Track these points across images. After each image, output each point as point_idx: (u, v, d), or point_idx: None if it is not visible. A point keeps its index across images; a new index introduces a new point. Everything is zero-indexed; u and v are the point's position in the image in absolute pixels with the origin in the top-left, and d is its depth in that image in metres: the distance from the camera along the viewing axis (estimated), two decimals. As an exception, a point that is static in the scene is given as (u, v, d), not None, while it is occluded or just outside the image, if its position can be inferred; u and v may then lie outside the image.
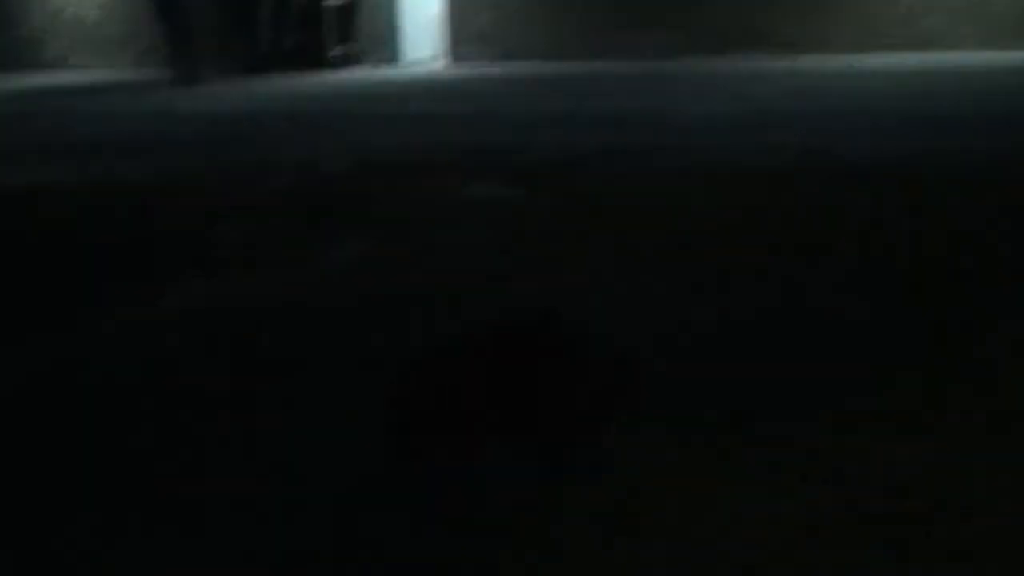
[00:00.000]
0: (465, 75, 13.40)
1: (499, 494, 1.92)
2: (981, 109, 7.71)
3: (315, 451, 2.23)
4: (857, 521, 1.72)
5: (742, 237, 4.13)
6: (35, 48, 18.02)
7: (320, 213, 5.22)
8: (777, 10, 12.50)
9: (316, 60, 14.60)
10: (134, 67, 16.74)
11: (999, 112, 7.54)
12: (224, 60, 14.46)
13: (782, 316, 3.06)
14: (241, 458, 2.22)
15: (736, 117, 8.05)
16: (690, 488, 1.87)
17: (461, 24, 14.17)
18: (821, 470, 1.94)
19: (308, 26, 14.73)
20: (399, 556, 1.73)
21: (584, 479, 1.97)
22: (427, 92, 11.76)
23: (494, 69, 13.64)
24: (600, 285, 3.45)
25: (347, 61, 14.80)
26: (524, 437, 2.23)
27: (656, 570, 1.62)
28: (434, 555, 1.74)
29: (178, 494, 2.04)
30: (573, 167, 6.19)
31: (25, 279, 4.15)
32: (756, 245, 3.98)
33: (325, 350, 2.97)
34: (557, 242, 4.18)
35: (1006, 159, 5.59)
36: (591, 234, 4.33)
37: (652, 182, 5.60)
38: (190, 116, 10.82)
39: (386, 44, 14.93)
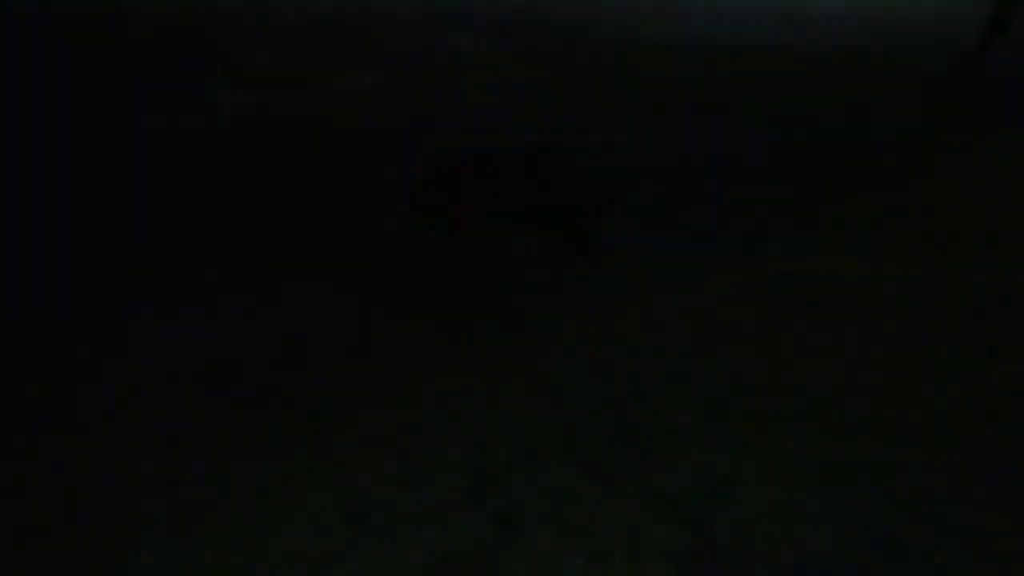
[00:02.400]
0: None
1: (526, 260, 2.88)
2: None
3: (360, 221, 3.22)
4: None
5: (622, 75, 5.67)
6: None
7: (332, 47, 6.50)
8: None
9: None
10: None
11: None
12: None
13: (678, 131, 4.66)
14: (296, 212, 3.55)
15: None
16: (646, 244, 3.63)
17: None
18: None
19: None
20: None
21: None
22: None
23: None
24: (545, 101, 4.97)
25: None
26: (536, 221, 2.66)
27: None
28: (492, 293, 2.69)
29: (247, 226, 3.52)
30: (531, 24, 7.52)
31: (110, 78, 5.21)
32: (656, 89, 5.48)
33: (362, 151, 3.89)
34: (513, 75, 5.55)
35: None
36: (533, 70, 5.80)
37: (575, 38, 6.99)
38: None
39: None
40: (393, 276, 2.69)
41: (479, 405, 2.07)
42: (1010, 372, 2.27)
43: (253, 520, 1.73)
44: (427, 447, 1.94)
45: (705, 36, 7.52)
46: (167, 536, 1.69)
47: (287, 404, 2.07)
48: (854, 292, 2.75)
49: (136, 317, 2.46)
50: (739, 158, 4.08)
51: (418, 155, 3.32)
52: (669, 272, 2.79)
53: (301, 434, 1.97)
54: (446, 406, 2.07)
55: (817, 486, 1.84)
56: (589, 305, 2.54)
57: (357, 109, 4.79)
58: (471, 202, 2.73)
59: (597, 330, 2.42)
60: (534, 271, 2.66)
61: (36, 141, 4.03)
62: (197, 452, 1.91)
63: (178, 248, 2.92)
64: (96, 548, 1.67)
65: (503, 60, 6.18)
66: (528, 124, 4.30)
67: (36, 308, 2.52)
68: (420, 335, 2.37)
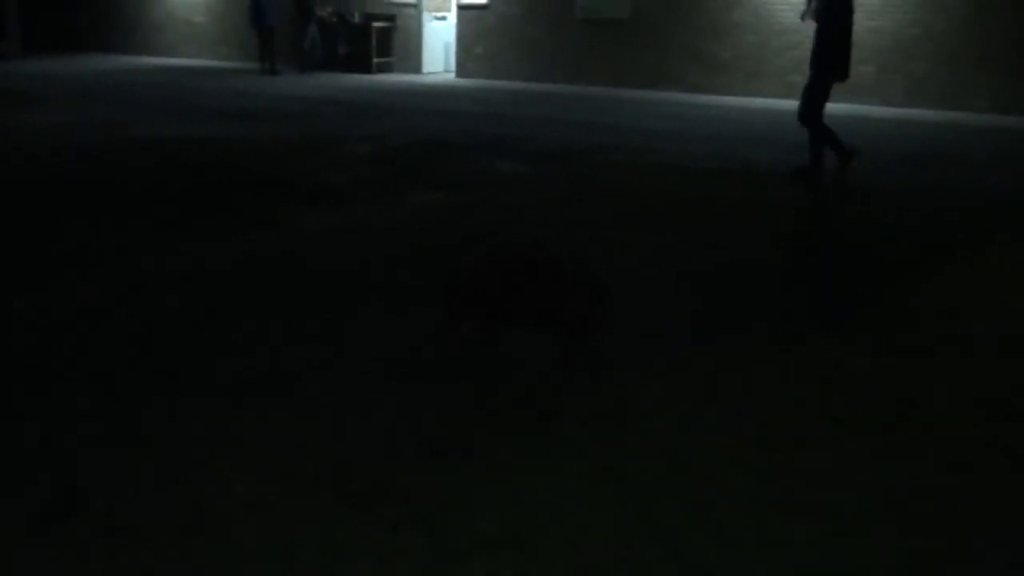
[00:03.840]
0: (470, 85, 15.01)
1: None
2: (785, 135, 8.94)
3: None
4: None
5: (673, 203, 6.17)
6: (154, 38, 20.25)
7: (398, 172, 7.16)
8: (690, 58, 14.07)
9: (364, 66, 16.62)
10: (227, 58, 18.87)
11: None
12: (293, 59, 16.62)
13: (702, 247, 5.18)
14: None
15: (667, 130, 9.76)
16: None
17: (466, 47, 15.95)
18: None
19: (359, 39, 16.71)
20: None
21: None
22: (448, 95, 13.33)
23: (490, 83, 15.31)
24: (590, 227, 5.41)
25: (383, 68, 16.79)
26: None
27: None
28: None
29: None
30: (565, 154, 8.14)
31: (221, 202, 5.99)
32: (683, 208, 6.00)
33: (418, 258, 4.53)
34: (561, 201, 6.16)
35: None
36: (584, 198, 6.33)
37: (616, 167, 7.59)
38: (281, 96, 12.73)
39: (412, 58, 16.89)
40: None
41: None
42: None
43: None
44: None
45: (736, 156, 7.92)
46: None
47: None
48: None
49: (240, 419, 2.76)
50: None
51: (457, 265, 3.59)
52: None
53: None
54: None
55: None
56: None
57: (419, 225, 5.34)
58: (493, 307, 3.02)
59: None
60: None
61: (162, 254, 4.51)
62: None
63: (271, 346, 3.26)
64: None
65: (540, 182, 6.85)
66: (548, 239, 4.80)
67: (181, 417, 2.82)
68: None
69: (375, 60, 16.68)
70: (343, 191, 6.37)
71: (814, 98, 6.84)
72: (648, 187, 6.77)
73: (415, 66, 16.95)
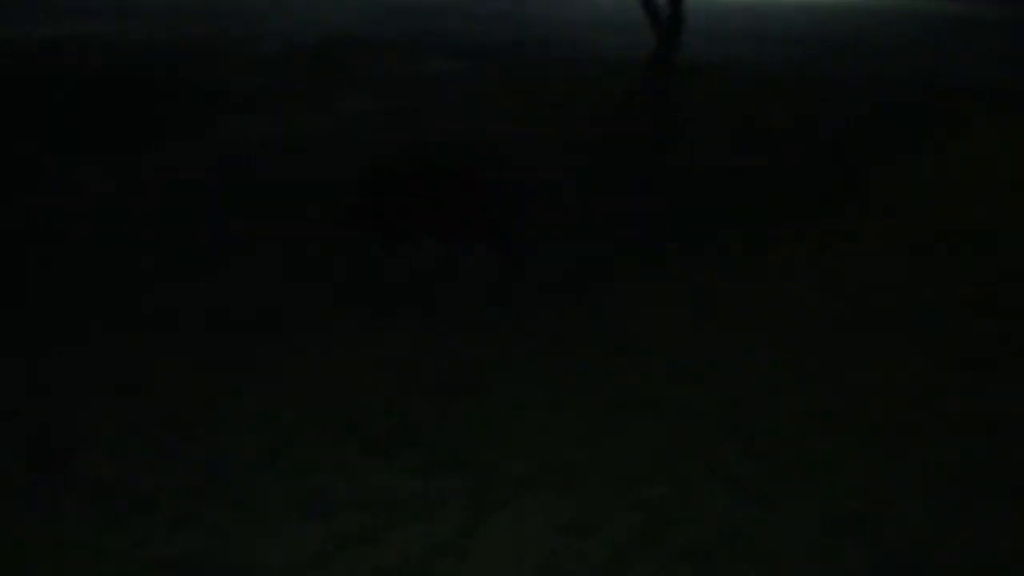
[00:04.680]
0: None
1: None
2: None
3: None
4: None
5: (580, 94, 5.98)
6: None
7: (318, 73, 6.60)
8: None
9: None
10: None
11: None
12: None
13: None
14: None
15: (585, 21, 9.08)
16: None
17: None
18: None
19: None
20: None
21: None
22: None
23: None
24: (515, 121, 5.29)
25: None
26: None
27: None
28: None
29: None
30: (491, 51, 7.63)
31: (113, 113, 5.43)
32: (590, 100, 5.88)
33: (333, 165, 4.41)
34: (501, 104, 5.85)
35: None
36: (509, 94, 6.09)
37: (534, 64, 7.20)
38: None
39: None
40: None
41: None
42: None
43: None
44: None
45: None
46: None
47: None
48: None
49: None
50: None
51: (366, 169, 3.65)
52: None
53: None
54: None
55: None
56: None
57: (357, 136, 4.96)
58: (402, 212, 3.09)
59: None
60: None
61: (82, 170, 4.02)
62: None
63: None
64: None
65: (480, 83, 6.48)
66: (476, 141, 4.64)
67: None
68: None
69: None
70: (265, 96, 5.90)
71: None
72: (583, 83, 6.50)
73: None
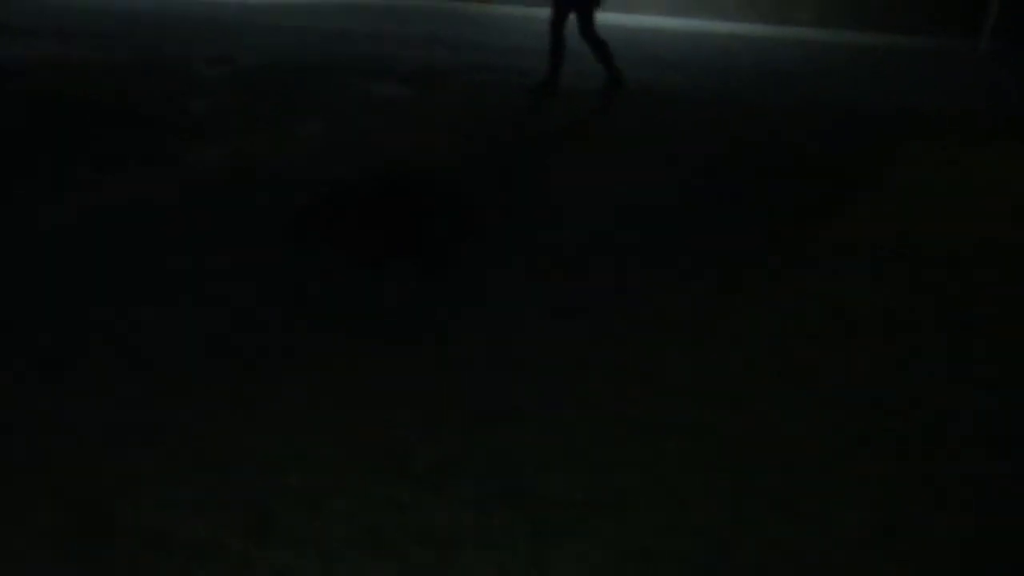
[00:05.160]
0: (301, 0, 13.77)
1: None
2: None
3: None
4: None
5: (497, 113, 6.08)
6: None
7: (265, 98, 6.49)
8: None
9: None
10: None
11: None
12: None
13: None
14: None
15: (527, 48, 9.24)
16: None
17: None
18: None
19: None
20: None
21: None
22: (281, 10, 12.12)
23: None
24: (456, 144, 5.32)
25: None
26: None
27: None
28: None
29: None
30: (436, 75, 7.71)
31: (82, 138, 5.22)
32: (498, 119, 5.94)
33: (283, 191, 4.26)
34: (447, 126, 5.86)
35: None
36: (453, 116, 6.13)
37: (487, 87, 7.30)
38: (86, 9, 11.12)
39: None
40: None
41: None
42: None
43: None
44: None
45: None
46: None
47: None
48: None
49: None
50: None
51: (313, 191, 3.75)
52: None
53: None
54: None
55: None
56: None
57: (309, 160, 4.85)
58: (344, 232, 3.16)
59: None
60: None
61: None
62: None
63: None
64: None
65: (419, 107, 6.48)
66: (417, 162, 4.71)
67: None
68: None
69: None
70: (212, 121, 5.73)
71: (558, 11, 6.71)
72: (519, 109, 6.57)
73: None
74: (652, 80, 7.70)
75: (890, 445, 2.28)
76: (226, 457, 2.10)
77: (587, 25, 6.75)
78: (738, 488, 2.08)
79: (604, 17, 12.01)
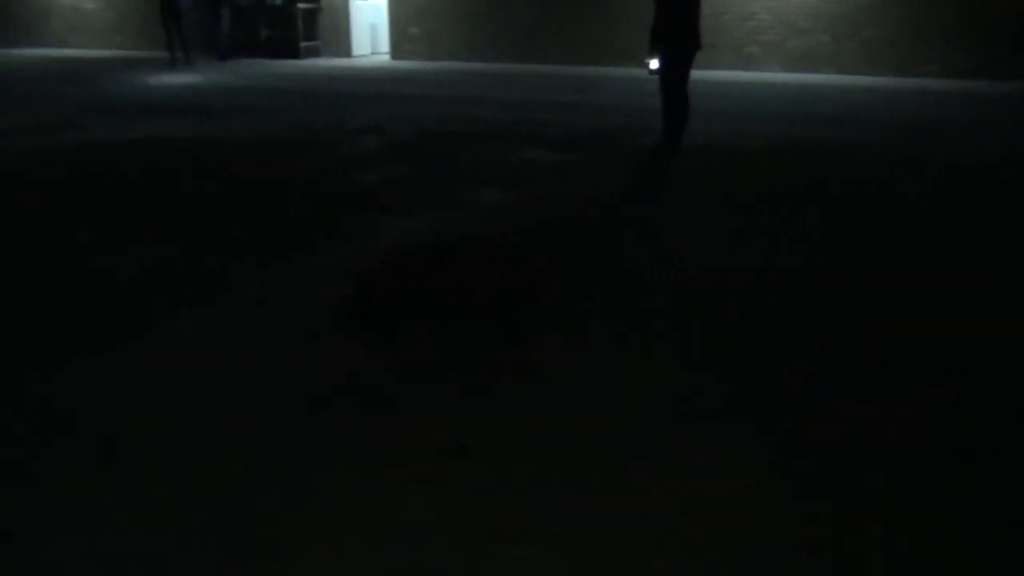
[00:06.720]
0: (416, 68, 14.04)
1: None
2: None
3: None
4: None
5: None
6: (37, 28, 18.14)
7: (429, 167, 6.37)
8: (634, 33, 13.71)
9: (290, 51, 15.34)
10: (125, 48, 17.08)
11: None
12: (204, 48, 15.11)
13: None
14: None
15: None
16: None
17: (401, 28, 14.98)
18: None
19: (283, 22, 15.40)
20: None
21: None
22: (404, 79, 12.33)
23: (432, 64, 14.39)
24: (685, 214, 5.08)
25: (310, 52, 15.58)
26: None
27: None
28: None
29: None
30: (588, 139, 7.51)
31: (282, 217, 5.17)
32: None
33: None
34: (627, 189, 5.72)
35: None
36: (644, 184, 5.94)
37: (630, 148, 7.03)
38: (224, 88, 11.40)
39: (339, 41, 15.75)
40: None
41: None
42: None
43: None
44: None
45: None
46: None
47: None
48: None
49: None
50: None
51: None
52: None
53: None
54: None
55: None
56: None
57: (506, 226, 4.61)
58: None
59: None
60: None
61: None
62: None
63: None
64: None
65: (586, 170, 6.30)
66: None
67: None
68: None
69: (302, 44, 15.48)
70: (388, 193, 5.62)
71: (670, 70, 6.48)
72: (697, 169, 6.30)
73: (344, 49, 15.87)
74: (806, 137, 7.41)
75: None
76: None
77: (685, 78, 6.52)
78: None
79: (722, 74, 12.04)
